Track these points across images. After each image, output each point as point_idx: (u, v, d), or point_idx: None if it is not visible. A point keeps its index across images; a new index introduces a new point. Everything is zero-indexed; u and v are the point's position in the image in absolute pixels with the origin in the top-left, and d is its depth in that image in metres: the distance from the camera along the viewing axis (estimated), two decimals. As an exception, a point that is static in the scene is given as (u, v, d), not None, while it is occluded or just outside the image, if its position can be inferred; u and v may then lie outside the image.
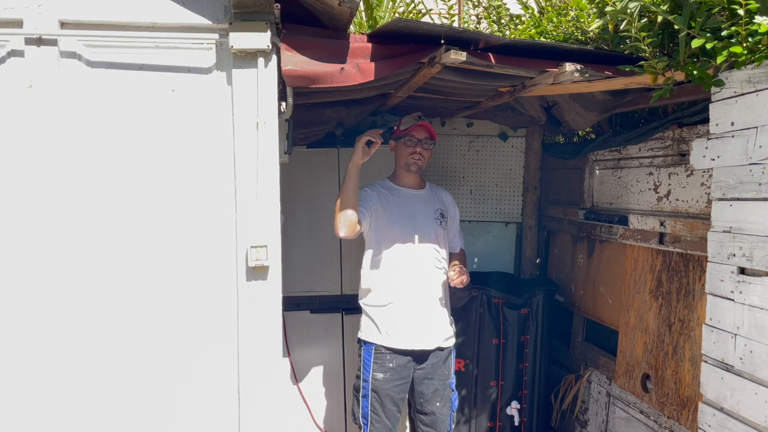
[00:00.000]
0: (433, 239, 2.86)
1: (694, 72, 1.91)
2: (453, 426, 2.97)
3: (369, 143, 2.70)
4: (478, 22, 3.73)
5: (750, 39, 1.76)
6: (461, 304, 3.43)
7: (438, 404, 2.86)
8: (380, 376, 2.78)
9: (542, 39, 2.66)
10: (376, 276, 2.81)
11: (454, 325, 2.95)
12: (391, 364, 2.79)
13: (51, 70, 2.07)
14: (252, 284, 2.17)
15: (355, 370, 3.25)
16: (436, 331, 2.85)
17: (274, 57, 2.12)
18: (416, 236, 2.82)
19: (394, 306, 2.79)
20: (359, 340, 2.89)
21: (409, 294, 2.80)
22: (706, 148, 2.04)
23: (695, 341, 2.49)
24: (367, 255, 2.85)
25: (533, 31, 2.76)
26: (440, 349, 2.87)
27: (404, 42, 2.22)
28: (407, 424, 3.36)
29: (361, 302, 2.89)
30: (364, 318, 2.87)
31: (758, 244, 1.80)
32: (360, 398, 2.82)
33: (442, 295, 2.89)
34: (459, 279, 2.75)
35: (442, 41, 2.11)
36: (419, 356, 2.83)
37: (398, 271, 2.79)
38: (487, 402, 3.46)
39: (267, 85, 2.12)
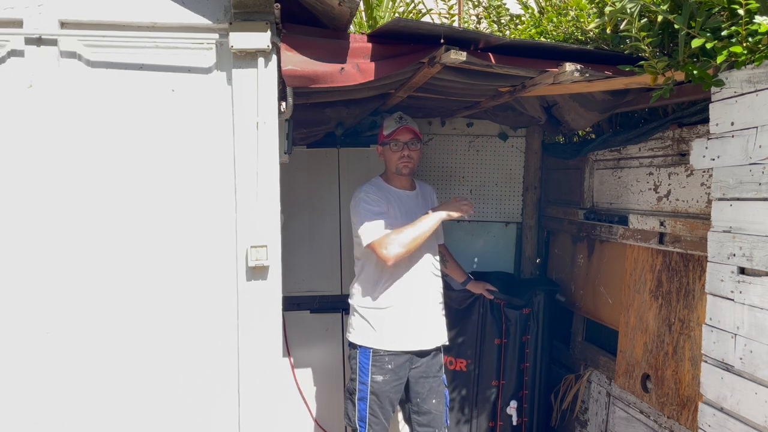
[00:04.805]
0: (431, 241, 2.89)
1: (694, 72, 1.91)
2: (449, 422, 3.04)
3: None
4: (478, 22, 3.73)
5: (750, 39, 1.76)
6: (465, 305, 3.44)
7: (434, 401, 2.91)
8: (380, 378, 2.79)
9: (542, 39, 2.66)
10: (379, 279, 2.82)
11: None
12: (389, 366, 2.79)
13: (51, 70, 2.07)
14: (252, 284, 2.17)
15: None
16: (437, 331, 2.93)
17: (274, 57, 2.12)
18: None
19: (395, 309, 2.81)
20: (352, 344, 2.86)
21: (411, 296, 2.84)
22: (706, 148, 2.04)
23: (695, 341, 2.49)
24: (368, 258, 2.83)
25: (533, 31, 2.76)
26: (437, 348, 2.95)
27: (404, 42, 2.22)
28: (399, 427, 3.36)
29: (356, 305, 2.87)
30: (359, 321, 2.85)
31: (758, 244, 1.80)
32: (356, 401, 2.82)
33: (440, 295, 2.96)
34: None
35: (442, 41, 2.11)
36: (416, 355, 2.86)
37: (401, 275, 2.81)
38: (487, 402, 3.46)
39: (267, 85, 2.12)
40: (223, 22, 2.10)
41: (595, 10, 2.36)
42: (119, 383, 2.17)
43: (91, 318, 2.14)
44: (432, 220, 2.73)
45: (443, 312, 2.97)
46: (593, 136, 3.53)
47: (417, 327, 2.84)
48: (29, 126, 2.08)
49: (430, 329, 2.89)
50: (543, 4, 3.11)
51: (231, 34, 2.05)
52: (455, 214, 2.76)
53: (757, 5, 1.71)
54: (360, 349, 2.82)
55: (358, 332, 2.84)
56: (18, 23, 2.06)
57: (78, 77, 2.10)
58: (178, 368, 2.19)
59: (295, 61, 2.06)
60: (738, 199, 1.89)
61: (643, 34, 1.97)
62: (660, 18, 1.99)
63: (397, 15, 3.91)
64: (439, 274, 2.98)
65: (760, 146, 1.79)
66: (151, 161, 2.14)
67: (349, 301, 2.93)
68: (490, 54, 2.20)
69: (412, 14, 4.05)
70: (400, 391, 2.87)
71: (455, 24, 3.96)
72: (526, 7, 3.18)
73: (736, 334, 1.89)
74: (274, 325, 2.19)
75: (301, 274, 3.64)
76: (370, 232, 2.69)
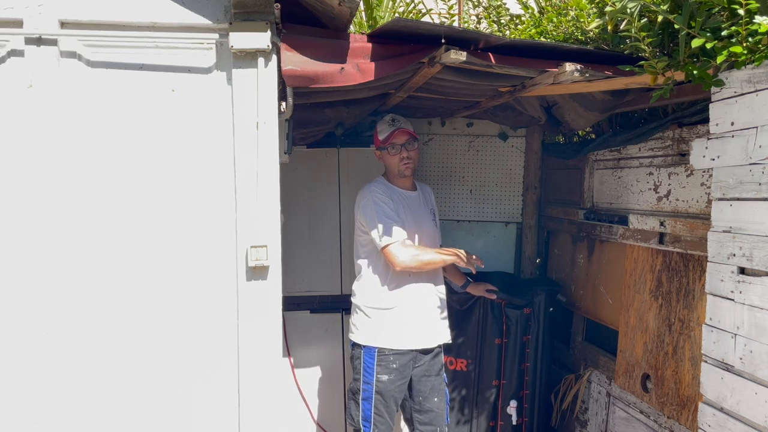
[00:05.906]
0: (434, 240, 2.97)
1: (694, 72, 1.91)
2: (449, 420, 3.07)
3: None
4: (478, 22, 3.73)
5: (750, 39, 1.76)
6: (466, 306, 3.44)
7: (436, 399, 2.94)
8: (385, 378, 2.79)
9: (542, 39, 2.66)
10: (385, 279, 2.83)
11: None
12: (394, 365, 2.81)
13: (51, 70, 2.07)
14: (252, 284, 2.17)
15: (354, 370, 3.24)
16: (441, 328, 2.96)
17: (274, 57, 2.13)
18: (423, 239, 2.90)
19: (402, 308, 2.83)
20: (356, 344, 2.87)
21: (418, 295, 2.86)
22: (706, 148, 2.04)
23: (695, 341, 2.49)
24: (374, 258, 2.84)
25: (533, 31, 2.76)
26: (439, 346, 2.98)
27: (404, 42, 2.22)
28: (400, 426, 3.36)
29: (360, 304, 2.87)
30: (363, 320, 2.85)
31: (758, 244, 1.80)
32: (360, 401, 2.82)
33: (443, 293, 2.99)
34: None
35: (443, 41, 2.11)
36: (420, 354, 2.88)
37: (408, 274, 2.83)
38: (488, 402, 3.46)
39: (267, 85, 2.12)
40: (223, 22, 2.10)
41: (595, 10, 2.36)
42: (119, 383, 2.17)
43: (91, 318, 2.15)
44: (450, 257, 2.80)
45: (446, 310, 2.99)
46: (593, 136, 3.52)
47: (422, 325, 2.87)
48: (29, 126, 2.08)
49: (434, 327, 2.92)
50: (543, 4, 3.11)
51: (231, 34, 2.05)
52: (463, 265, 2.85)
53: (757, 5, 1.71)
54: (365, 348, 2.82)
55: (363, 332, 2.85)
56: (18, 23, 2.06)
57: (78, 77, 2.10)
58: (178, 368, 2.19)
59: (295, 61, 2.07)
60: (738, 199, 1.89)
61: (643, 34, 1.97)
62: (660, 18, 1.99)
63: (397, 15, 3.91)
64: (441, 273, 3.01)
65: (760, 146, 1.79)
66: (151, 161, 2.14)
67: (352, 300, 2.93)
68: (490, 54, 2.20)
69: (412, 14, 4.05)
70: (404, 391, 2.88)
71: (455, 24, 3.96)
72: (526, 7, 3.18)
73: (736, 334, 1.89)
74: (274, 325, 2.19)
75: (301, 274, 3.64)
76: (386, 234, 2.72)
